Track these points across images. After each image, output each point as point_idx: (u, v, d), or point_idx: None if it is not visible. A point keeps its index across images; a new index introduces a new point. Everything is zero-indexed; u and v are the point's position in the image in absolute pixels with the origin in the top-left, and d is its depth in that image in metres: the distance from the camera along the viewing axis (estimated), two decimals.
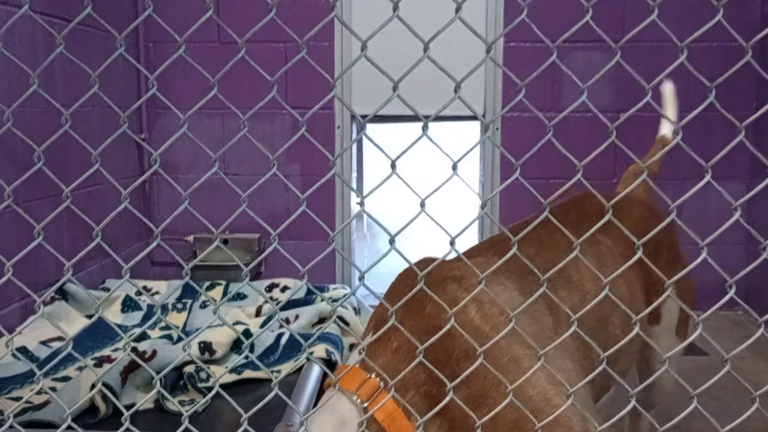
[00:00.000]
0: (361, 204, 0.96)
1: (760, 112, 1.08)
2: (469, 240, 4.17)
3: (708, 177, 0.95)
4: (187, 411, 1.12)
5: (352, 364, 1.30)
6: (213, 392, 1.10)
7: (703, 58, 3.81)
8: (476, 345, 1.10)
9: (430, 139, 0.98)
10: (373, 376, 1.22)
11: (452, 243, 0.98)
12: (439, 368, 1.19)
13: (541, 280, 1.06)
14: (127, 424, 1.01)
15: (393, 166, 0.96)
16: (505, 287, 1.45)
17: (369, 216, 0.99)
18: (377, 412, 1.17)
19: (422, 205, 0.96)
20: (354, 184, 4.16)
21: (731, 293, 1.03)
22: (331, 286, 3.56)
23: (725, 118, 1.03)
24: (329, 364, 2.60)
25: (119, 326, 2.90)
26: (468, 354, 1.26)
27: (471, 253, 1.67)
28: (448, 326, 1.05)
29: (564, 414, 1.22)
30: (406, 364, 1.21)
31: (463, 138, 4.20)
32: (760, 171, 3.75)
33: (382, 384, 1.22)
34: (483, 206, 1.00)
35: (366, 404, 1.15)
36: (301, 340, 1.04)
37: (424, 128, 0.96)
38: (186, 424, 1.02)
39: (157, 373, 2.21)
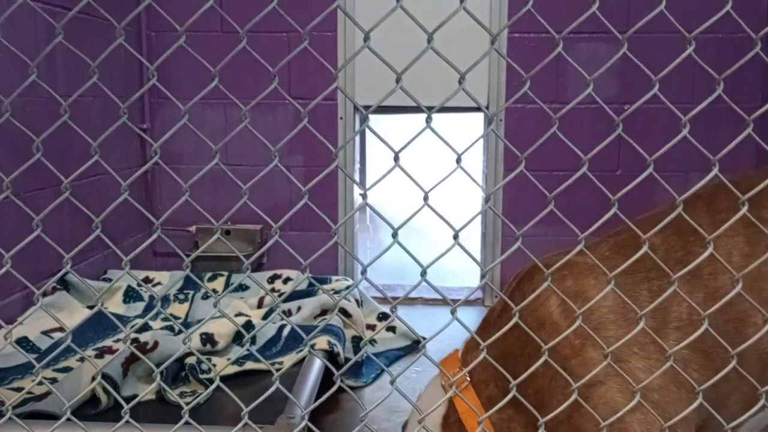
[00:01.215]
0: (364, 197, 0.94)
1: (761, 111, 1.06)
2: (473, 233, 4.16)
3: (715, 170, 0.94)
4: (188, 402, 1.11)
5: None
6: (213, 386, 1.09)
7: (708, 50, 3.79)
8: (541, 343, 1.09)
9: (434, 131, 0.97)
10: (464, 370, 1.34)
11: (456, 237, 0.97)
12: (513, 363, 1.23)
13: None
14: (126, 417, 1.00)
15: (396, 158, 0.95)
16: (598, 281, 1.32)
17: (372, 209, 0.98)
18: (458, 404, 1.30)
19: (425, 198, 0.95)
20: (357, 176, 4.14)
21: (738, 288, 1.02)
22: (334, 278, 3.55)
23: (731, 110, 1.02)
24: (331, 355, 2.59)
25: (121, 317, 2.90)
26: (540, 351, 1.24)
27: (591, 245, 1.48)
28: (512, 322, 1.06)
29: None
30: (494, 358, 1.21)
31: (466, 129, 4.18)
32: (765, 163, 3.73)
33: (468, 378, 1.34)
34: (487, 200, 0.99)
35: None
36: (303, 334, 1.03)
37: (428, 120, 0.95)
38: (186, 417, 1.01)
39: (159, 364, 2.21)
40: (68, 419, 1.09)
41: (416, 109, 4.02)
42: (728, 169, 1.24)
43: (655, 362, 1.25)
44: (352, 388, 2.91)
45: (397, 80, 0.94)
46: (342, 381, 1.10)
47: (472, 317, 3.71)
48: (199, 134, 1.12)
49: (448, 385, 1.35)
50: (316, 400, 2.24)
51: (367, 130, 4.49)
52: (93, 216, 1.00)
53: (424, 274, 0.96)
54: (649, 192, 2.33)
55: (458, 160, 0.95)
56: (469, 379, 1.35)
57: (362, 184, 4.26)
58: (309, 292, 3.16)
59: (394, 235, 0.95)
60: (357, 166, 4.17)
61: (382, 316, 3.39)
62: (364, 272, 0.96)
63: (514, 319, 1.07)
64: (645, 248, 1.02)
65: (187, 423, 1.12)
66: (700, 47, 1.25)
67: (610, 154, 3.81)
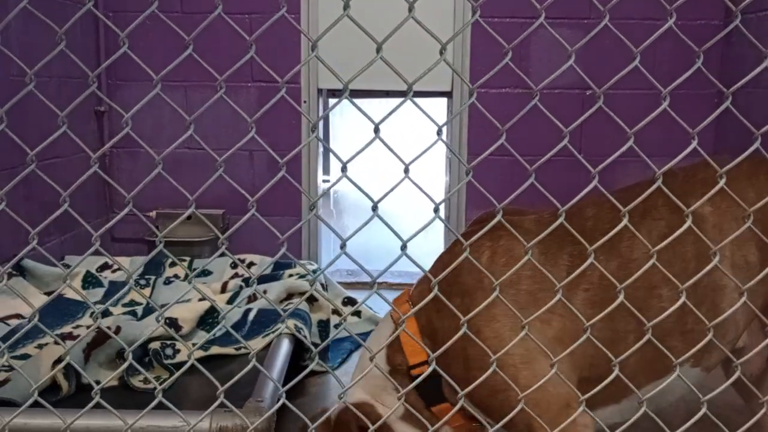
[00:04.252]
0: (344, 170, 0.92)
1: (741, 83, 1.07)
2: (437, 221, 4.15)
3: (694, 143, 0.94)
4: (154, 388, 1.08)
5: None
6: (188, 364, 1.07)
7: (668, 36, 3.84)
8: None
9: (414, 102, 0.96)
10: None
11: (436, 210, 0.96)
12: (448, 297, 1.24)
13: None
14: (97, 398, 0.97)
15: (376, 130, 0.93)
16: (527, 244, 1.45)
17: (352, 182, 0.96)
18: (402, 334, 1.51)
19: (406, 171, 0.94)
20: (320, 162, 4.11)
21: (710, 267, 1.03)
22: (299, 262, 3.52)
23: (689, 97, 1.03)
24: (297, 340, 2.57)
25: (81, 303, 2.82)
26: (464, 291, 1.46)
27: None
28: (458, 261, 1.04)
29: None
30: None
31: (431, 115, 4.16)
32: (722, 150, 3.81)
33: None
34: (467, 173, 0.98)
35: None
36: (279, 309, 1.01)
37: (408, 91, 0.94)
38: (159, 397, 0.98)
39: (122, 350, 2.16)
40: (31, 404, 1.05)
41: (381, 94, 3.95)
42: (687, 154, 1.26)
43: (554, 315, 1.42)
44: (319, 373, 2.89)
45: (378, 50, 0.92)
46: (318, 361, 1.09)
47: None
48: (160, 116, 1.09)
49: (396, 317, 1.56)
50: (284, 384, 2.21)
51: (331, 117, 4.47)
52: (61, 190, 0.97)
53: (404, 248, 0.95)
54: (609, 178, 2.35)
55: (439, 132, 0.94)
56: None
57: (326, 170, 4.23)
58: (274, 277, 3.12)
59: (374, 208, 0.93)
60: (321, 149, 4.13)
61: (348, 301, 3.38)
62: (343, 246, 0.94)
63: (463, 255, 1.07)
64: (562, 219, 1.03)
65: (156, 407, 1.10)
66: (661, 34, 1.26)
67: (572, 141, 3.85)
